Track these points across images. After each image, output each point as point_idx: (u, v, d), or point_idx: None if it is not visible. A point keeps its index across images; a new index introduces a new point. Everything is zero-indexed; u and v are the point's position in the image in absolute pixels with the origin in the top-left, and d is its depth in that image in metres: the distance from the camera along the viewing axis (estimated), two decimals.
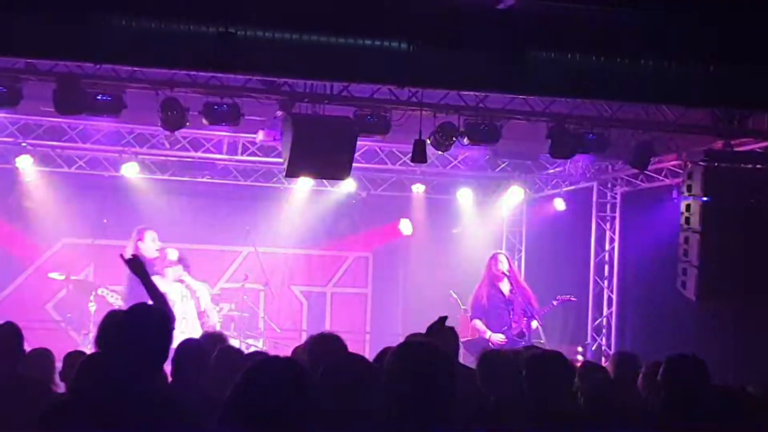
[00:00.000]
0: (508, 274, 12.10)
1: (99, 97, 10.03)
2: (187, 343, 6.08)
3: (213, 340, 7.08)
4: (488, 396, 6.02)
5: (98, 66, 9.41)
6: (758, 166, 10.84)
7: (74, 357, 6.24)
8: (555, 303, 12.79)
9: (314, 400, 3.27)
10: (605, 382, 6.80)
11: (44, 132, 13.11)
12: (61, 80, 9.76)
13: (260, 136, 11.96)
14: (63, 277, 13.20)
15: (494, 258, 12.22)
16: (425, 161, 10.86)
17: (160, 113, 10.32)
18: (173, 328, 4.42)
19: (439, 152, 11.67)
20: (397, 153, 13.87)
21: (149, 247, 11.83)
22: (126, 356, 4.09)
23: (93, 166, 14.20)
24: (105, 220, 14.24)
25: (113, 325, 4.45)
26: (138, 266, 6.56)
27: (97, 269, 14.53)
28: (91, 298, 12.59)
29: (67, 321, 13.40)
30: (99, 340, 5.47)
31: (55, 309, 14.32)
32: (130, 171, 13.86)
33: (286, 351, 11.24)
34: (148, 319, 4.27)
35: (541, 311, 12.34)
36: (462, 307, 12.78)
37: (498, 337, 11.66)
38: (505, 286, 12.01)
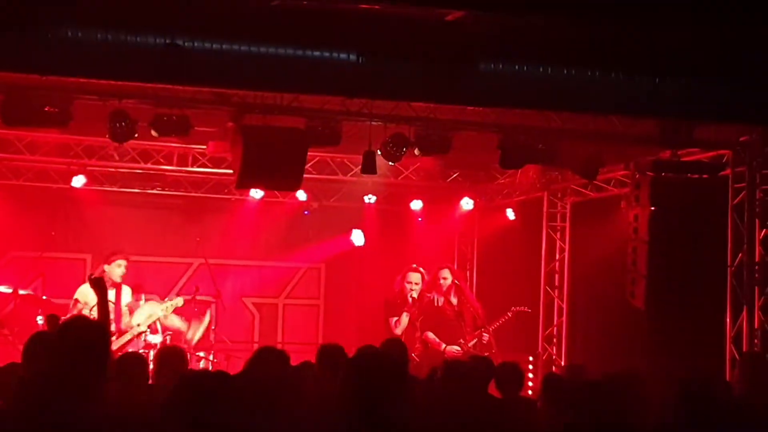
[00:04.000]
0: (456, 285, 12.14)
1: (46, 109, 9.91)
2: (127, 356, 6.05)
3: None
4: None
5: (45, 77, 9.31)
6: (704, 176, 10.98)
7: (9, 370, 6.13)
8: (510, 314, 12.82)
9: (246, 412, 3.26)
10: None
11: None
12: (8, 92, 9.65)
13: (210, 147, 11.91)
14: (11, 291, 13.04)
15: (440, 271, 12.24)
16: (375, 172, 10.88)
17: (109, 125, 10.23)
18: (110, 342, 4.37)
19: (390, 163, 11.69)
20: (349, 164, 13.88)
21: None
22: (64, 372, 4.04)
23: (41, 178, 14.05)
24: (53, 233, 14.10)
25: (44, 343, 4.38)
26: (98, 284, 6.67)
27: (46, 282, 14.39)
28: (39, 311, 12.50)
29: (15, 334, 13.21)
30: (26, 359, 5.37)
31: (3, 322, 14.12)
32: (79, 183, 13.73)
33: (238, 363, 11.23)
34: (86, 333, 4.22)
35: (495, 322, 12.38)
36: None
37: (453, 349, 11.66)
38: (453, 299, 12.05)
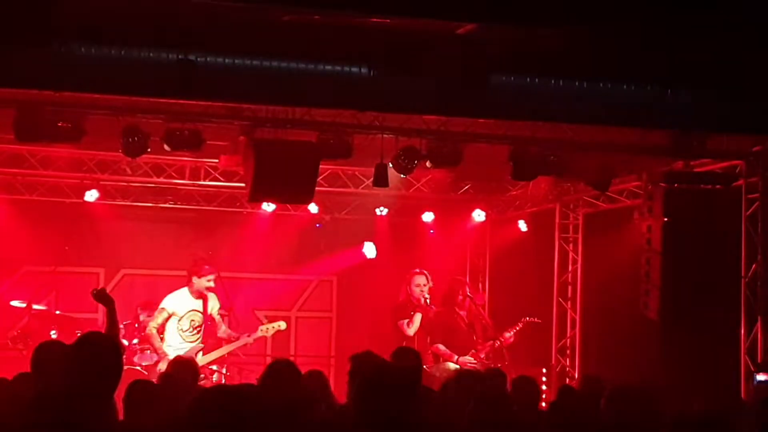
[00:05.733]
0: (471, 297, 12.14)
1: (59, 124, 9.95)
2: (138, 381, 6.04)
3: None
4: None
5: (58, 93, 9.36)
6: (717, 186, 10.95)
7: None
8: (521, 324, 12.77)
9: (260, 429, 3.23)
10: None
11: (5, 159, 12.99)
12: (21, 107, 9.69)
13: (222, 161, 11.92)
14: (24, 305, 13.07)
15: (457, 282, 12.22)
16: (387, 185, 10.89)
17: (121, 140, 10.27)
18: (122, 358, 4.37)
19: (402, 176, 11.71)
20: (360, 176, 13.87)
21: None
22: (78, 386, 4.04)
23: (54, 193, 14.09)
24: (67, 247, 14.12)
25: (59, 355, 4.38)
26: (103, 297, 6.64)
27: (60, 296, 14.42)
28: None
29: (29, 349, 13.22)
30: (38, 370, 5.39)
31: (17, 338, 14.14)
32: (92, 197, 13.76)
33: (251, 377, 11.24)
34: (100, 348, 4.22)
35: (507, 333, 12.34)
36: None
37: (467, 360, 11.61)
38: (463, 310, 12.02)
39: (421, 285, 12.12)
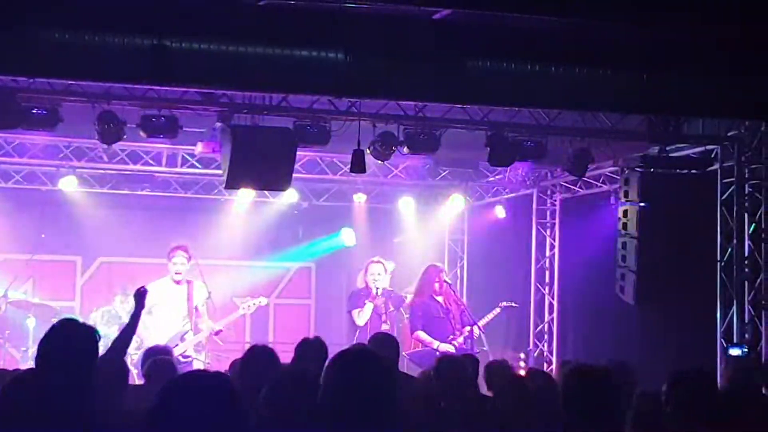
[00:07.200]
0: (449, 282, 12.16)
1: (34, 111, 9.90)
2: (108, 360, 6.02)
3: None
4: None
5: (33, 79, 9.30)
6: (693, 171, 11.02)
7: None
8: (498, 309, 12.81)
9: (242, 414, 3.22)
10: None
11: None
12: None
13: (199, 147, 11.85)
14: (1, 294, 13.01)
15: (434, 269, 12.21)
16: (364, 171, 10.87)
17: (97, 126, 10.22)
18: (97, 342, 4.35)
19: (379, 162, 11.70)
20: (338, 163, 13.86)
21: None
22: (49, 371, 4.03)
23: (30, 180, 14.02)
24: (43, 235, 14.07)
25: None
26: (139, 297, 6.61)
27: (36, 284, 14.36)
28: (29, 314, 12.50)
29: (6, 338, 13.20)
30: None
31: None
32: (68, 185, 13.68)
33: (227, 364, 11.20)
34: (71, 333, 4.20)
35: (485, 318, 12.37)
36: (405, 316, 12.78)
37: (446, 347, 11.63)
38: (440, 296, 12.03)
39: (375, 274, 12.12)
